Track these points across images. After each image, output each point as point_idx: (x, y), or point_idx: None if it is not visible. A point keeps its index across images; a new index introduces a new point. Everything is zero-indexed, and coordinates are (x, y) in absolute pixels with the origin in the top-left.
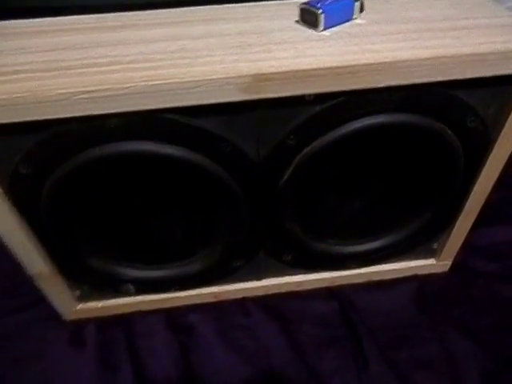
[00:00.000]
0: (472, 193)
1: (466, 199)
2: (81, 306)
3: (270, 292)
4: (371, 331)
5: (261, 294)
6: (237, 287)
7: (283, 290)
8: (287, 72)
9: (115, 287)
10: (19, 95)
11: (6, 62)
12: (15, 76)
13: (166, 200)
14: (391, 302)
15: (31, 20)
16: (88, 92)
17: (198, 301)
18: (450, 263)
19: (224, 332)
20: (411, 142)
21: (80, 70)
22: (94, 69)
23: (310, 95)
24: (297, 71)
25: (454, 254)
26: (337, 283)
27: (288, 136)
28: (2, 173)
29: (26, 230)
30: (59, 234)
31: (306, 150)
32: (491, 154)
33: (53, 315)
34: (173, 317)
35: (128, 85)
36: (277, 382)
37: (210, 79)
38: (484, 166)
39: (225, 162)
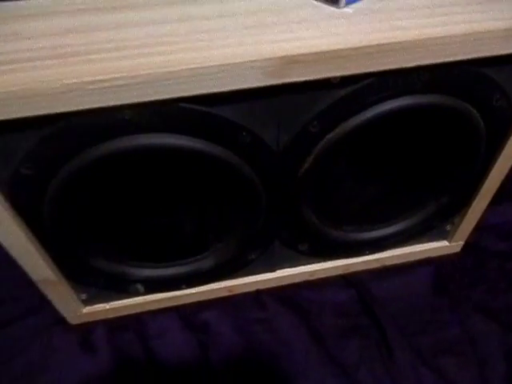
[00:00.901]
0: (490, 174)
1: (484, 180)
2: (87, 308)
3: (283, 283)
4: (392, 318)
5: (274, 285)
6: (250, 280)
7: (297, 280)
8: (317, 53)
9: (123, 288)
10: (18, 88)
11: (5, 50)
12: (12, 66)
13: (179, 194)
14: (408, 286)
15: (22, 1)
16: (97, 82)
17: (210, 296)
18: (462, 244)
19: (241, 327)
20: (435, 124)
21: (85, 57)
22: (101, 55)
23: (336, 78)
24: (327, 52)
25: (467, 235)
26: (350, 270)
27: (311, 122)
28: (2, 175)
29: (28, 234)
30: (64, 237)
31: (329, 136)
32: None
33: (58, 320)
34: (186, 315)
35: (141, 73)
36: (300, 377)
37: (234, 63)
38: (505, 145)
39: (243, 153)
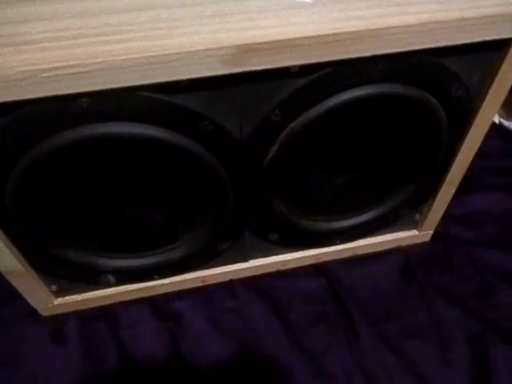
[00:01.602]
0: (455, 162)
1: (449, 169)
2: (58, 300)
3: (256, 273)
4: (360, 305)
5: (247, 275)
6: (223, 270)
7: (269, 270)
8: (273, 42)
9: (94, 279)
10: None
11: None
12: None
13: (145, 184)
14: (377, 275)
15: None
16: (53, 69)
17: (183, 287)
18: (431, 233)
19: (213, 317)
20: (396, 113)
21: (41, 45)
22: (57, 43)
23: (295, 67)
24: (283, 40)
25: (436, 224)
26: (322, 260)
27: (273, 111)
28: None
29: None
30: (29, 228)
31: (292, 125)
32: (474, 123)
33: (29, 312)
34: (158, 305)
35: (98, 60)
36: (270, 363)
37: (190, 51)
38: (467, 135)
39: (207, 142)
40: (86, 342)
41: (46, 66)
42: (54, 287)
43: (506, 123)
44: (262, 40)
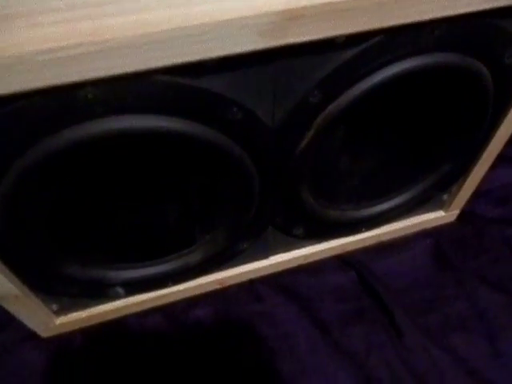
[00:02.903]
0: (494, 137)
1: (488, 144)
2: (61, 319)
3: (278, 270)
4: (396, 298)
5: (268, 273)
6: (241, 270)
7: (291, 266)
8: (322, 5)
9: (100, 294)
10: None
11: None
12: None
13: (160, 184)
14: (408, 262)
15: None
16: (48, 51)
17: (199, 292)
18: (457, 213)
19: (238, 323)
20: (444, 86)
21: (27, 20)
22: (52, 17)
23: (341, 37)
24: (334, 3)
25: (464, 203)
26: (346, 250)
27: (311, 92)
28: None
29: None
30: (23, 244)
31: (331, 107)
32: None
33: (29, 334)
34: (175, 314)
35: (105, 37)
36: (309, 372)
37: (220, 22)
38: (511, 108)
39: (233, 131)
40: (97, 361)
41: (39, 48)
42: (54, 306)
43: None
44: (310, 3)
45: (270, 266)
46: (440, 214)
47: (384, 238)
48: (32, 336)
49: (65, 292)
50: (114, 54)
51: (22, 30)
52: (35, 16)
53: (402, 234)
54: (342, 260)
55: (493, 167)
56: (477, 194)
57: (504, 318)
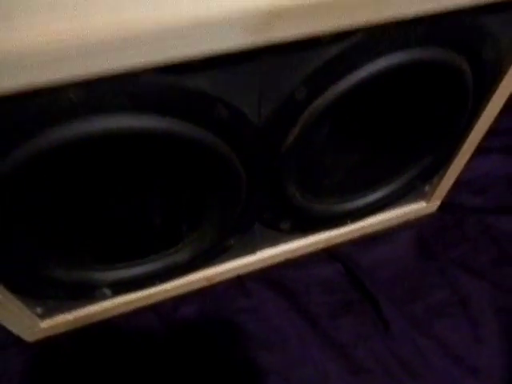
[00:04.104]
0: (474, 129)
1: (468, 136)
2: (46, 322)
3: (266, 265)
4: (382, 288)
5: (256, 268)
6: (230, 266)
7: (278, 260)
8: (309, 2)
9: (87, 295)
10: None
11: None
12: None
13: (146, 182)
14: (392, 253)
15: None
16: (27, 56)
17: (187, 289)
18: (438, 203)
19: (227, 320)
20: (426, 80)
21: (6, 22)
22: (28, 19)
23: (326, 35)
24: (321, 1)
25: (445, 194)
26: (333, 243)
27: (298, 88)
28: None
29: None
30: (7, 248)
31: (316, 103)
32: (499, 87)
33: (13, 340)
34: (163, 313)
35: (86, 36)
36: (298, 364)
37: (205, 21)
38: (490, 99)
39: (219, 129)
40: (83, 366)
41: (17, 50)
42: (39, 309)
43: None
44: (293, 1)
45: (258, 261)
46: (422, 204)
47: (368, 230)
48: (15, 342)
49: (50, 295)
50: (95, 55)
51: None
52: (15, 19)
53: (386, 225)
54: (329, 253)
55: (472, 157)
56: (457, 185)
57: (484, 303)
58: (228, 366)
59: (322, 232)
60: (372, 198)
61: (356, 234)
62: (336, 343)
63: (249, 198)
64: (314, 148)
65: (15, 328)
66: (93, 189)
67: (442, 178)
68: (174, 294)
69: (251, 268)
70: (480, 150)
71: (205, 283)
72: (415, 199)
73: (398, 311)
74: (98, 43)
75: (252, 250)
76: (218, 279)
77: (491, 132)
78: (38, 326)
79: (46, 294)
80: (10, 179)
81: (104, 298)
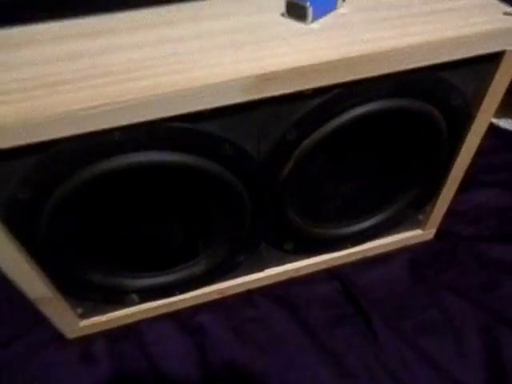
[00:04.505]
0: (455, 165)
1: (450, 172)
2: (84, 322)
3: (272, 281)
4: (375, 305)
5: (264, 284)
6: (240, 281)
7: (284, 278)
8: (289, 70)
9: (119, 300)
10: (12, 119)
11: None
12: (3, 97)
13: (169, 206)
14: (387, 274)
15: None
16: (86, 109)
17: (202, 300)
18: (434, 231)
19: (236, 327)
20: (402, 125)
21: (72, 86)
22: (86, 83)
23: (308, 90)
24: (298, 68)
25: (438, 223)
26: (334, 264)
27: (288, 130)
28: None
29: (25, 255)
30: (59, 255)
31: (305, 142)
32: (471, 128)
33: (55, 336)
34: (181, 320)
35: (127, 98)
36: (296, 369)
37: (213, 84)
38: (465, 139)
39: (227, 163)
40: (116, 361)
41: (80, 106)
42: (79, 310)
43: (499, 122)
44: (279, 69)
45: (265, 277)
46: (418, 232)
47: (368, 254)
48: (57, 337)
49: (89, 297)
50: (133, 109)
51: (64, 93)
52: (73, 83)
53: (385, 250)
54: (330, 272)
55: (467, 190)
56: (453, 215)
57: (469, 322)
58: (230, 366)
59: (323, 254)
60: (367, 224)
61: (356, 257)
62: (329, 351)
63: (254, 220)
64: (310, 179)
65: (60, 324)
66: (128, 210)
67: (433, 207)
68: (191, 303)
69: (259, 284)
70: (476, 184)
71: (218, 295)
72: (412, 227)
73: (387, 326)
74: (138, 101)
75: (260, 267)
76: (229, 292)
77: (490, 168)
78: (77, 324)
79: (86, 296)
80: (69, 197)
81: (132, 303)
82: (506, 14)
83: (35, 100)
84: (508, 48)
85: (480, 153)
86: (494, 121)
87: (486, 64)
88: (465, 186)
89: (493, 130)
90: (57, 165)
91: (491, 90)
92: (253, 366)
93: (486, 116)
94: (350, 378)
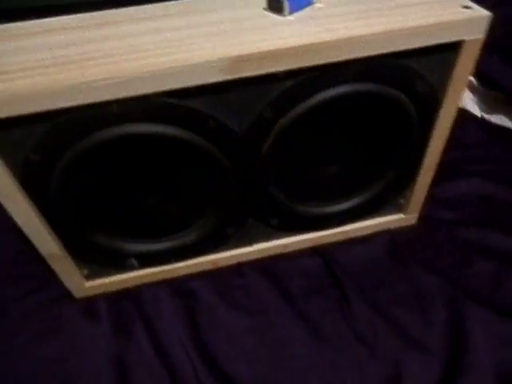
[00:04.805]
0: (428, 150)
1: (423, 157)
2: (89, 283)
3: (261, 255)
4: (351, 278)
5: (253, 258)
6: (231, 254)
7: (272, 253)
8: (261, 52)
9: (120, 263)
10: (30, 89)
11: (16, 61)
12: (23, 73)
13: (162, 176)
14: (367, 253)
15: (17, 23)
16: (90, 82)
17: (197, 269)
18: (416, 216)
19: (223, 293)
20: (371, 108)
21: (79, 65)
22: (92, 62)
23: (281, 72)
24: (269, 51)
25: (419, 207)
26: (319, 242)
27: (265, 109)
28: (15, 161)
29: (37, 213)
30: (67, 215)
31: (282, 121)
32: (440, 114)
33: (64, 294)
34: (176, 285)
35: (124, 73)
36: (274, 330)
37: (194, 64)
38: (435, 125)
39: (211, 137)
40: (115, 318)
41: (85, 79)
42: (85, 271)
43: (487, 116)
44: (252, 52)
45: (254, 251)
46: (400, 216)
47: (351, 235)
48: (66, 296)
49: (94, 259)
50: (129, 84)
51: (76, 70)
52: (82, 62)
53: (369, 232)
54: (314, 250)
55: (453, 179)
56: (437, 202)
57: (437, 296)
58: (217, 327)
59: (308, 232)
60: (348, 205)
61: (340, 237)
62: (305, 316)
63: (239, 193)
64: (291, 158)
65: (68, 283)
66: (126, 178)
67: (412, 192)
68: (186, 272)
69: (249, 257)
70: (463, 174)
71: (211, 266)
72: (394, 211)
73: (361, 297)
74: (133, 77)
75: (249, 242)
76: (221, 264)
77: (476, 159)
78: (83, 284)
79: (91, 257)
80: (76, 160)
81: (132, 267)
82: (464, 7)
83: (50, 75)
84: (466, 38)
85: (468, 145)
86: (486, 116)
87: (447, 53)
88: (451, 175)
89: (482, 124)
90: (65, 132)
91: (454, 77)
92: (235, 327)
93: (453, 102)
94: (322, 339)
